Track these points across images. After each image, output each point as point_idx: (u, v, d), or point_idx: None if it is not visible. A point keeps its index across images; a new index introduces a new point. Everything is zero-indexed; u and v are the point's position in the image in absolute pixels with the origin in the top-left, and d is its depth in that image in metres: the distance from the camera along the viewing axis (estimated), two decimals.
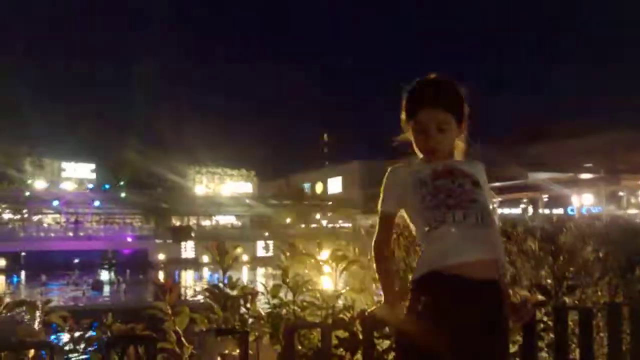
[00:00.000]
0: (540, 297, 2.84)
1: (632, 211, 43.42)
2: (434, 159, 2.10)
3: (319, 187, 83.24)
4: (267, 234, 47.01)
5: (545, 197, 47.34)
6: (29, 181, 54.92)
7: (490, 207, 2.14)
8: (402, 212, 2.15)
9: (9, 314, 2.65)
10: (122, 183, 55.90)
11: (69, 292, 27.09)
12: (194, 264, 39.04)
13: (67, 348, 2.50)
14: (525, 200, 48.31)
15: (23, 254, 40.48)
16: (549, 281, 3.05)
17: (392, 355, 2.48)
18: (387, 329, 2.50)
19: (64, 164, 60.37)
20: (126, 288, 29.29)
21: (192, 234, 46.63)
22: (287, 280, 2.77)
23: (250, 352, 2.36)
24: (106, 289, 30.10)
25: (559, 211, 45.53)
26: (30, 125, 60.21)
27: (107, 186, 57.13)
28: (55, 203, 50.35)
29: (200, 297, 2.69)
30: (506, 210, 46.01)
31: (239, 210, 61.58)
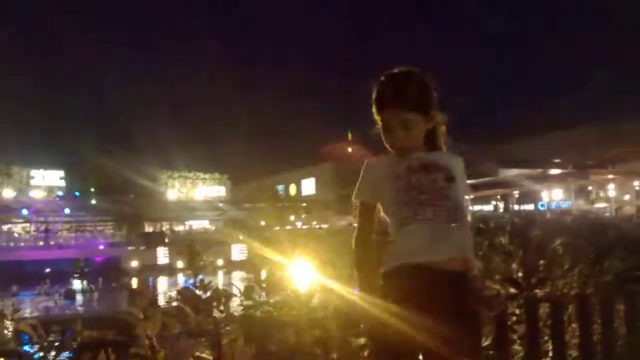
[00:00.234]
0: (511, 290, 2.88)
1: (600, 205, 44.26)
2: (402, 155, 2.12)
3: (292, 189, 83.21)
4: (241, 237, 46.74)
5: (516, 193, 47.98)
6: None
7: (463, 203, 2.17)
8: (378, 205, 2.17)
9: None
10: (92, 190, 55.14)
11: (41, 302, 26.62)
12: (168, 270, 38.66)
13: (37, 356, 2.45)
14: (497, 197, 48.90)
15: None
16: (520, 274, 3.09)
17: (367, 352, 2.48)
18: (361, 326, 2.51)
19: (33, 172, 59.37)
20: (99, 296, 28.89)
21: (166, 240, 46.17)
22: (261, 281, 2.76)
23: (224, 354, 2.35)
24: (79, 298, 29.66)
25: (530, 207, 46.22)
26: None
27: (77, 193, 56.30)
28: (25, 212, 49.52)
29: (174, 303, 2.66)
30: (478, 207, 46.56)
31: (213, 215, 61.23)
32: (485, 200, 48.89)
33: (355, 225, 2.21)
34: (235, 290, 2.79)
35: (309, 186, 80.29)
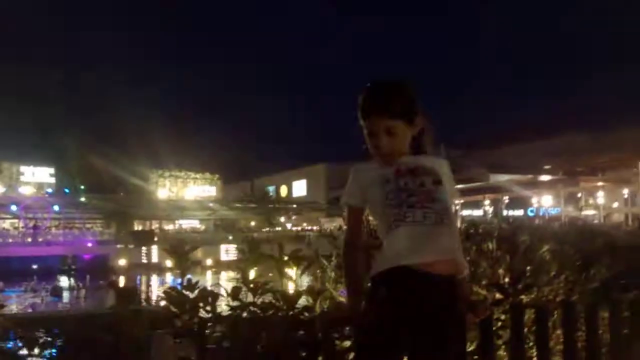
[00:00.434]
0: (497, 295, 2.89)
1: (589, 212, 44.52)
2: (386, 161, 2.14)
3: (283, 190, 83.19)
4: (230, 237, 46.67)
5: (506, 199, 48.19)
6: None
7: (452, 205, 2.18)
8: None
9: None
10: (82, 187, 54.84)
11: (27, 299, 26.46)
12: (157, 269, 38.51)
13: (20, 353, 2.44)
14: (487, 202, 49.08)
15: None
16: (507, 280, 3.10)
17: (352, 355, 2.48)
18: (347, 329, 2.51)
19: (23, 168, 59.00)
20: (86, 294, 28.73)
21: (155, 239, 46.00)
22: (248, 281, 2.75)
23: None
24: (66, 295, 29.47)
25: (519, 212, 46.42)
26: None
27: (67, 190, 55.98)
28: (14, 208, 49.21)
29: (161, 302, 2.65)
30: (468, 212, 46.73)
31: (203, 214, 61.10)
32: (476, 205, 49.04)
33: (344, 229, 2.22)
34: (222, 291, 2.78)
35: (300, 188, 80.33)
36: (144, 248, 43.48)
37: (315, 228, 57.95)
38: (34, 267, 39.04)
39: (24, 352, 2.42)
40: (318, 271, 3.45)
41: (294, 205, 69.08)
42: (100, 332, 2.40)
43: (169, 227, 61.02)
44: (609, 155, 42.00)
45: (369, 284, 2.08)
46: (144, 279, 36.20)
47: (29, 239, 44.97)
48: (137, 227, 57.02)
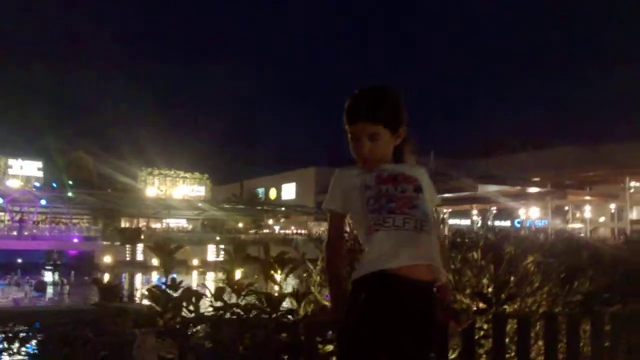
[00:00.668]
0: (481, 304, 2.90)
1: (576, 225, 44.79)
2: (367, 166, 2.16)
3: (273, 193, 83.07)
4: (218, 238, 46.53)
5: (494, 209, 48.40)
6: None
7: (432, 213, 2.20)
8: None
9: None
10: (70, 182, 54.46)
11: (10, 293, 26.26)
12: (143, 267, 38.34)
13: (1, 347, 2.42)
14: (475, 212, 49.25)
15: None
16: (490, 289, 3.12)
17: (334, 359, 2.48)
18: (329, 333, 2.51)
19: (11, 161, 58.52)
20: (70, 290, 28.54)
21: (141, 237, 45.78)
22: (232, 282, 2.75)
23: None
24: (50, 290, 29.27)
25: (507, 223, 46.64)
26: None
27: (54, 185, 55.58)
28: (0, 200, 48.81)
29: (144, 300, 2.65)
30: (456, 221, 46.85)
31: (191, 214, 60.85)
32: (464, 214, 49.22)
33: (326, 234, 2.24)
34: (206, 291, 2.78)
35: (289, 191, 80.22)
36: (129, 246, 43.26)
37: (303, 232, 57.95)
38: (19, 261, 38.80)
39: (4, 346, 2.40)
40: (304, 274, 3.46)
41: (283, 208, 68.95)
42: (83, 329, 2.39)
43: (156, 225, 60.78)
44: (598, 170, 42.30)
45: (352, 287, 2.08)
46: (128, 276, 36.03)
47: (15, 233, 44.63)
48: (124, 224, 56.75)
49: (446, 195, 42.04)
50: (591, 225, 43.65)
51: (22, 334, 2.41)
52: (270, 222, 68.19)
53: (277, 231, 63.25)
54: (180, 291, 2.58)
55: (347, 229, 2.51)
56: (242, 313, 2.56)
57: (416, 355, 2.00)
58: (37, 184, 56.88)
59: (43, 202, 50.42)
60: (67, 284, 30.29)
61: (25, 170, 58.98)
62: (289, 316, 2.60)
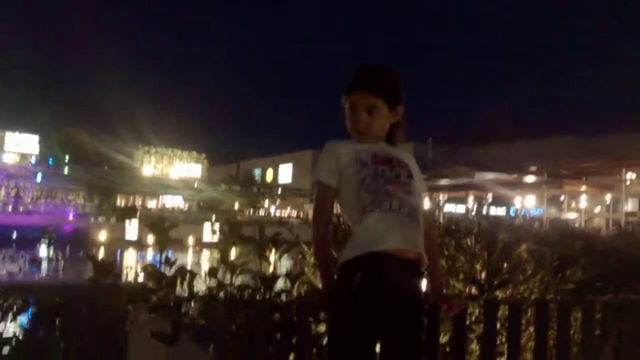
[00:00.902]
0: (473, 290, 2.92)
1: (571, 215, 44.91)
2: (363, 140, 2.14)
3: (269, 174, 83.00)
4: (213, 218, 46.54)
5: (489, 197, 48.41)
6: None
7: (420, 199, 2.20)
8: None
9: None
10: (66, 159, 54.27)
11: (5, 267, 26.28)
12: (138, 245, 38.36)
13: None
14: (471, 199, 49.29)
15: None
16: (483, 275, 3.13)
17: (326, 339, 2.50)
18: (322, 314, 2.53)
19: (7, 136, 58.19)
20: (65, 265, 28.58)
21: (137, 214, 45.76)
22: (227, 262, 2.76)
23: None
24: (44, 265, 29.29)
25: (502, 211, 46.71)
26: None
27: (50, 161, 55.40)
28: None
29: (139, 277, 2.66)
30: (451, 208, 46.96)
31: (187, 193, 60.80)
32: (459, 200, 49.25)
33: (314, 207, 2.18)
34: (201, 270, 2.78)
35: (286, 172, 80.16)
36: (125, 223, 43.25)
37: (300, 214, 58.05)
38: (14, 235, 38.77)
39: None
40: (299, 256, 3.47)
41: (279, 190, 68.94)
42: (78, 304, 2.40)
43: (151, 203, 60.72)
44: (594, 160, 42.34)
45: (341, 268, 2.07)
46: (123, 253, 36.07)
47: (10, 208, 44.57)
48: (120, 201, 56.68)
49: (442, 181, 42.05)
50: (586, 216, 43.74)
51: (15, 308, 2.42)
52: (267, 203, 68.18)
53: (273, 213, 63.29)
54: (174, 269, 2.59)
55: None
56: (235, 292, 2.57)
57: (409, 334, 2.01)
58: (33, 160, 56.66)
59: (39, 178, 50.29)
60: (62, 260, 30.30)
61: (22, 146, 58.64)
62: (283, 296, 2.61)
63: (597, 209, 47.40)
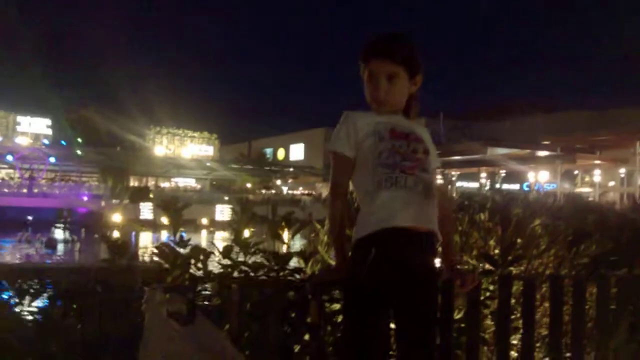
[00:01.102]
0: (487, 266, 2.91)
1: (584, 189, 44.65)
2: (382, 110, 2.11)
3: (281, 153, 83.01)
4: (226, 198, 46.74)
5: (503, 172, 48.19)
6: None
7: (435, 175, 2.19)
8: None
9: None
10: (79, 140, 54.53)
11: (21, 250, 26.62)
12: (152, 226, 38.65)
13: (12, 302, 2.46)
14: (483, 175, 49.09)
15: None
16: (497, 251, 3.12)
17: (340, 318, 2.51)
18: (337, 292, 2.53)
19: (19, 118, 58.51)
20: (80, 247, 28.90)
21: (150, 195, 46.04)
22: (240, 241, 2.77)
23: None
24: (60, 248, 29.64)
25: (515, 186, 46.50)
26: None
27: (63, 142, 55.68)
28: (10, 158, 49.05)
29: (153, 257, 2.67)
30: (464, 183, 46.81)
31: (199, 173, 61.02)
32: (472, 177, 49.09)
33: (330, 179, 2.14)
34: (214, 250, 2.80)
35: (298, 151, 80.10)
36: (139, 204, 43.55)
37: (310, 192, 58.13)
38: (29, 218, 39.17)
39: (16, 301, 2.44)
40: (312, 235, 3.47)
41: (291, 169, 68.98)
42: (93, 285, 2.42)
43: (164, 184, 61.05)
44: (608, 133, 41.93)
45: (355, 245, 2.06)
46: (138, 234, 36.36)
47: (25, 190, 44.97)
48: (133, 183, 57.00)
49: (455, 157, 41.87)
50: (600, 190, 43.48)
51: (32, 290, 2.45)
52: (279, 182, 68.31)
53: (284, 192, 63.44)
54: (188, 249, 2.60)
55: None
56: (249, 271, 2.58)
57: (422, 307, 2.01)
58: (46, 142, 56.99)
59: (52, 159, 50.63)
60: (78, 242, 30.64)
61: (34, 127, 58.97)
62: (296, 275, 2.62)
63: (612, 183, 47.06)
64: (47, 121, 60.11)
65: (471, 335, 2.58)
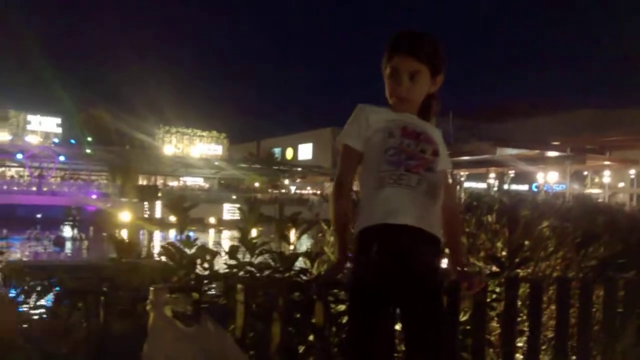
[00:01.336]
0: (494, 267, 2.90)
1: (594, 190, 44.42)
2: (401, 108, 2.11)
3: (289, 153, 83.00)
4: (234, 197, 46.80)
5: (512, 173, 48.00)
6: None
7: (444, 178, 2.17)
8: None
9: None
10: (88, 139, 54.73)
11: (30, 247, 26.73)
12: (160, 224, 38.72)
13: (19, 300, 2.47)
14: (492, 175, 48.91)
15: None
16: (504, 253, 3.11)
17: (345, 319, 2.50)
18: (342, 293, 2.53)
19: (30, 117, 58.79)
20: (89, 245, 28.98)
21: (159, 194, 46.15)
22: (246, 241, 2.77)
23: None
24: (68, 246, 29.74)
25: (524, 187, 46.32)
26: None
27: (73, 141, 55.92)
28: (20, 156, 49.31)
29: (160, 257, 2.68)
30: (473, 184, 46.66)
31: (208, 172, 61.13)
32: (480, 177, 48.92)
33: (337, 171, 2.15)
34: (221, 250, 2.80)
35: (306, 151, 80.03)
36: (147, 203, 43.67)
37: (318, 192, 58.13)
38: (38, 216, 39.37)
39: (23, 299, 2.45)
40: (319, 235, 3.47)
41: (299, 168, 68.96)
42: (100, 283, 2.43)
43: (173, 183, 61.22)
44: (618, 134, 41.67)
45: (357, 237, 2.05)
46: (146, 233, 36.44)
47: (34, 188, 45.20)
48: (142, 181, 57.16)
49: (463, 157, 41.72)
50: (610, 191, 43.26)
51: (39, 288, 2.46)
52: (287, 182, 68.33)
53: (292, 191, 63.45)
54: (194, 248, 2.60)
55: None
56: (255, 271, 2.57)
57: (425, 305, 1.99)
58: (56, 140, 57.24)
59: (62, 158, 50.85)
60: (86, 240, 30.73)
61: (44, 126, 59.24)
62: (302, 275, 2.62)
63: (621, 184, 46.80)
64: (57, 120, 60.37)
65: (477, 337, 2.58)
